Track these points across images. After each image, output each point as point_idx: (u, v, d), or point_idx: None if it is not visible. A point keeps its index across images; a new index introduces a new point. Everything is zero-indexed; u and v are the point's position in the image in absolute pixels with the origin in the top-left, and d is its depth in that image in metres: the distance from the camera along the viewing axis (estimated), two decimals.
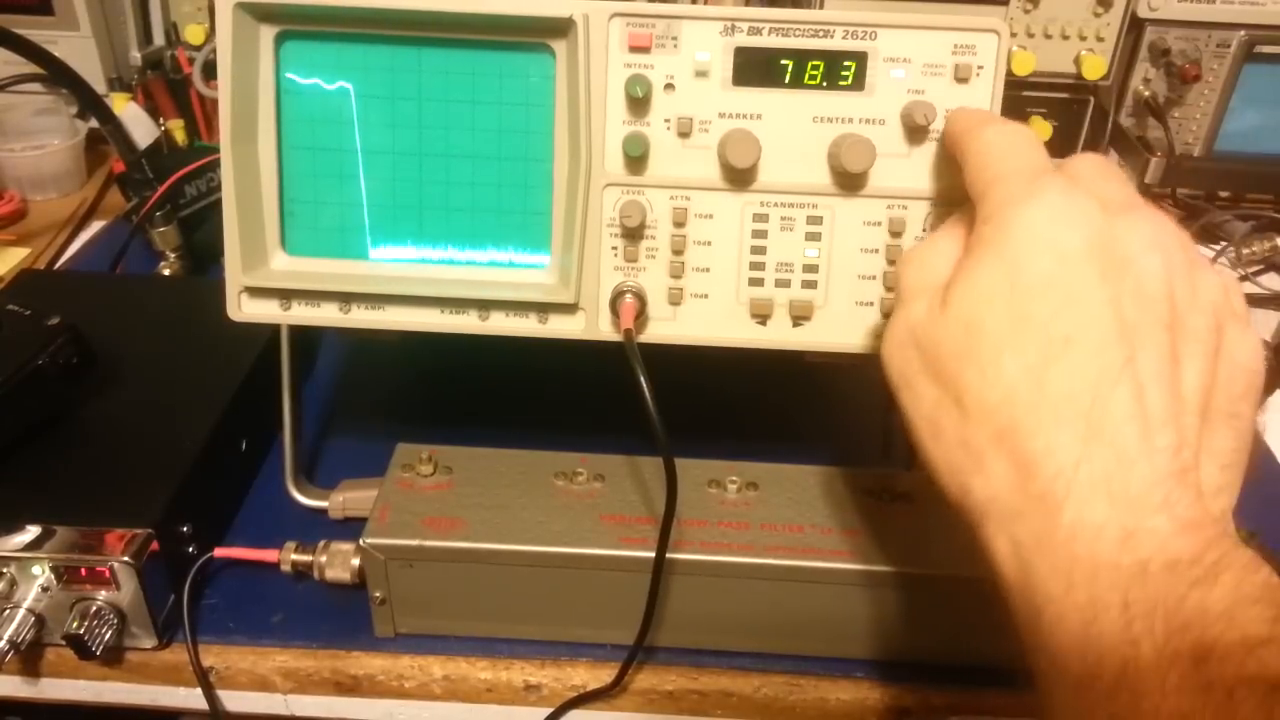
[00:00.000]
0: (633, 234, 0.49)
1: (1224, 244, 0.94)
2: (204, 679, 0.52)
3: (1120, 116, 0.95)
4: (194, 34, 0.97)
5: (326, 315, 0.50)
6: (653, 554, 0.48)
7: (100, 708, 0.55)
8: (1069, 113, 0.92)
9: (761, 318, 0.50)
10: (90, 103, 0.79)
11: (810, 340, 0.51)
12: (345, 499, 0.58)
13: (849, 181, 0.48)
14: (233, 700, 0.53)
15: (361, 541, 0.50)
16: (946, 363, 0.35)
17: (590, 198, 0.48)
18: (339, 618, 0.54)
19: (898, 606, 0.51)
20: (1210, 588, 0.28)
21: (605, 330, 0.50)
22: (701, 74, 0.47)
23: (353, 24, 0.47)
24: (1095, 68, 0.87)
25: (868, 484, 0.54)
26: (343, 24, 0.47)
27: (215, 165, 0.82)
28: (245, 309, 0.50)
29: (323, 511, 0.59)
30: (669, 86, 0.47)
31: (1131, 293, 0.33)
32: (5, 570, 0.49)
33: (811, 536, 0.51)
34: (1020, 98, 0.90)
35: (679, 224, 0.49)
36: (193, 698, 0.53)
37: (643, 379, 0.45)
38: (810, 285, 0.50)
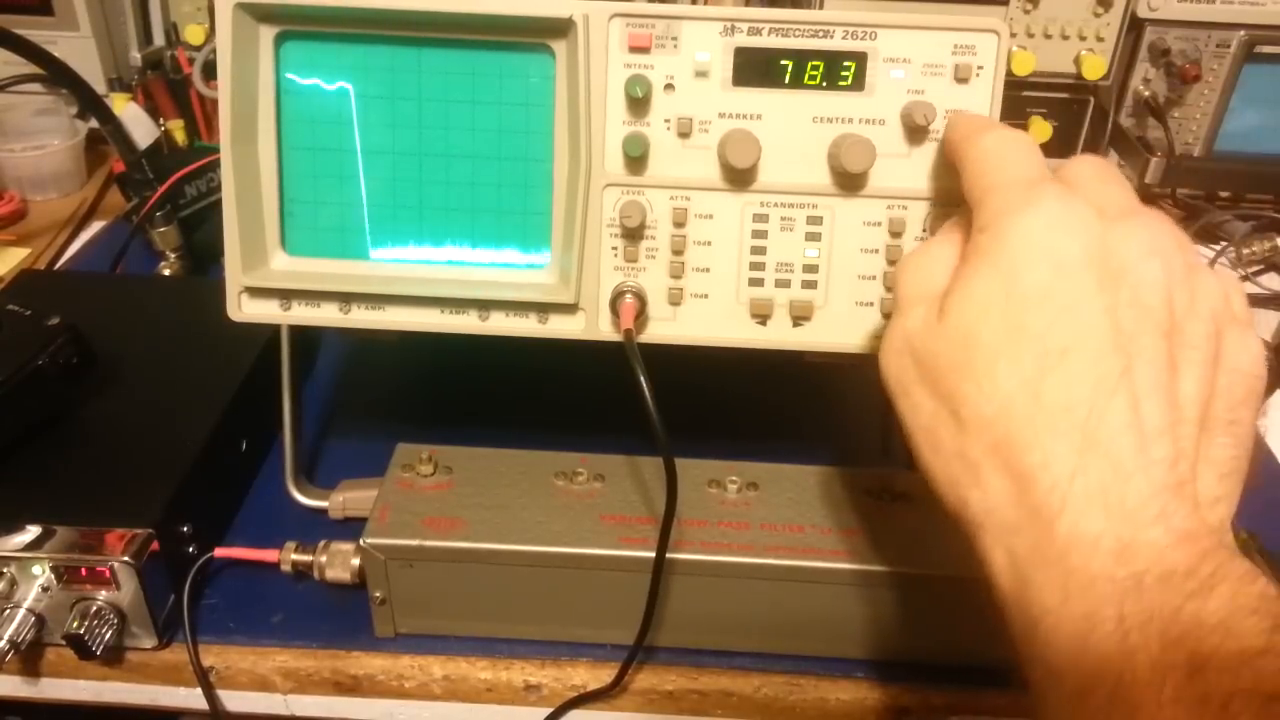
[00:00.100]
0: (633, 234, 0.49)
1: (1224, 244, 0.94)
2: (204, 679, 0.52)
3: (1120, 116, 0.95)
4: (194, 34, 0.98)
5: (326, 315, 0.50)
6: (653, 554, 0.48)
7: (100, 708, 0.55)
8: (1069, 113, 0.92)
9: (761, 318, 0.50)
10: (90, 103, 0.79)
11: (810, 340, 0.51)
12: (345, 499, 0.58)
13: (849, 182, 0.48)
14: (233, 700, 0.53)
15: (361, 541, 0.50)
16: (943, 374, 0.35)
17: (590, 198, 0.48)
18: (339, 618, 0.54)
19: (898, 606, 0.51)
20: (1206, 599, 0.28)
21: (605, 330, 0.50)
22: (701, 74, 0.47)
23: (352, 24, 0.47)
24: (1095, 68, 0.87)
25: (867, 484, 0.54)
26: (342, 24, 0.47)
27: (215, 165, 0.82)
28: (245, 309, 0.50)
29: (323, 511, 0.59)
30: (669, 87, 0.47)
31: (1128, 301, 0.33)
32: (5, 570, 0.49)
33: (811, 536, 0.51)
34: (1020, 98, 0.89)
35: (679, 224, 0.49)
36: (193, 698, 0.53)
37: (643, 379, 0.45)
38: (810, 285, 0.50)
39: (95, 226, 0.98)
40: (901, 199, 0.48)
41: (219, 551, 0.55)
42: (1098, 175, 0.37)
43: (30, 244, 0.92)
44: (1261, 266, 0.93)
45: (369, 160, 0.49)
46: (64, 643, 0.49)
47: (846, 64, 0.46)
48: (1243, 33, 0.90)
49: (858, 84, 0.47)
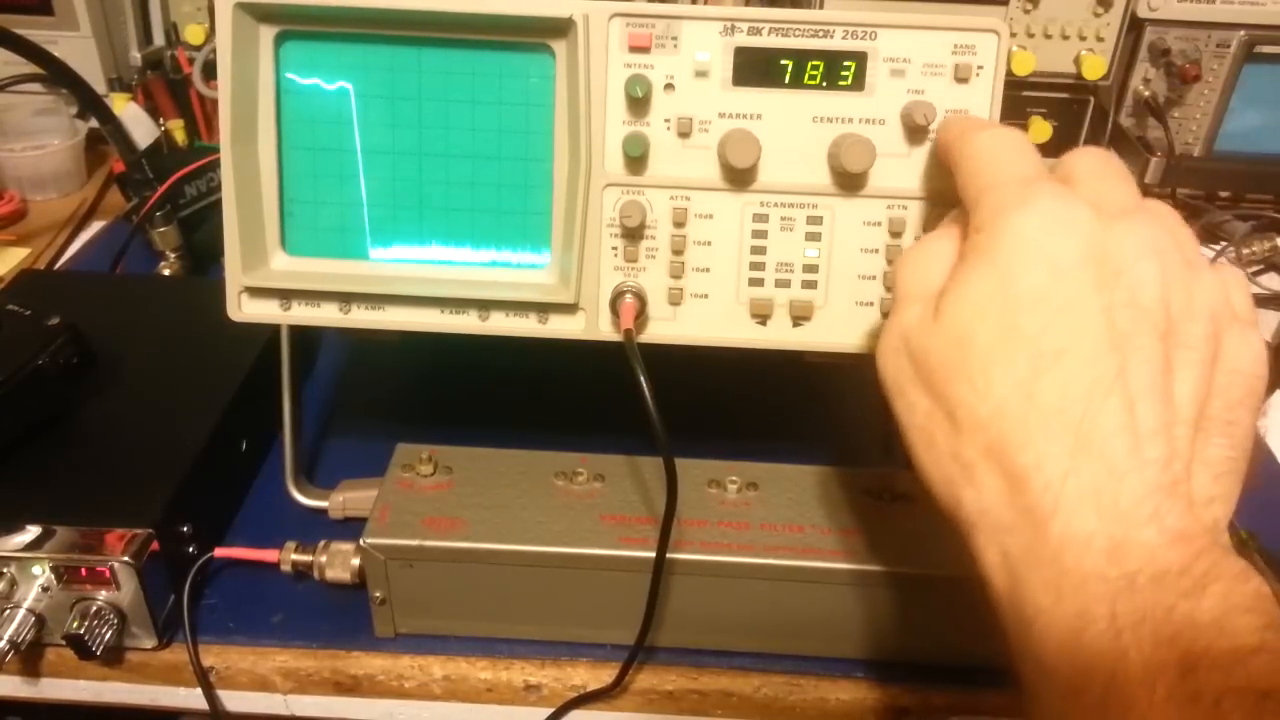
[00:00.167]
0: (633, 234, 0.49)
1: (1224, 244, 0.94)
2: (204, 679, 0.52)
3: (1120, 116, 0.95)
4: (194, 34, 0.98)
5: (326, 315, 0.50)
6: (653, 554, 0.48)
7: (100, 708, 0.55)
8: (1069, 113, 0.92)
9: (761, 318, 0.50)
10: (90, 103, 0.79)
11: (810, 340, 0.51)
12: (345, 499, 0.58)
13: (849, 181, 0.48)
14: (233, 700, 0.53)
15: (361, 541, 0.50)
16: (938, 374, 0.35)
17: (590, 198, 0.48)
18: (339, 618, 0.54)
19: (897, 607, 0.51)
20: (1199, 598, 0.28)
21: (605, 330, 0.50)
22: (701, 74, 0.47)
23: (352, 24, 0.47)
24: (1095, 68, 0.87)
25: (867, 484, 0.54)
26: (342, 24, 0.47)
27: (215, 165, 0.82)
28: (245, 309, 0.50)
29: (323, 511, 0.59)
30: (669, 86, 0.47)
31: (1124, 302, 0.33)
32: (5, 570, 0.49)
33: (811, 536, 0.51)
34: (1020, 98, 0.89)
35: (679, 224, 0.49)
36: (193, 698, 0.53)
37: (643, 379, 0.45)
38: (810, 285, 0.50)
39: (95, 226, 0.98)
40: (901, 199, 0.48)
41: (219, 551, 0.55)
42: (1097, 170, 0.37)
43: (30, 244, 0.92)
44: (1261, 266, 0.93)
45: (369, 160, 0.49)
46: (64, 643, 0.49)
47: (846, 64, 0.46)
48: (1243, 33, 0.90)
49: (858, 84, 0.47)
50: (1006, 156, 0.38)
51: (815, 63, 0.46)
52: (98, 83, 0.99)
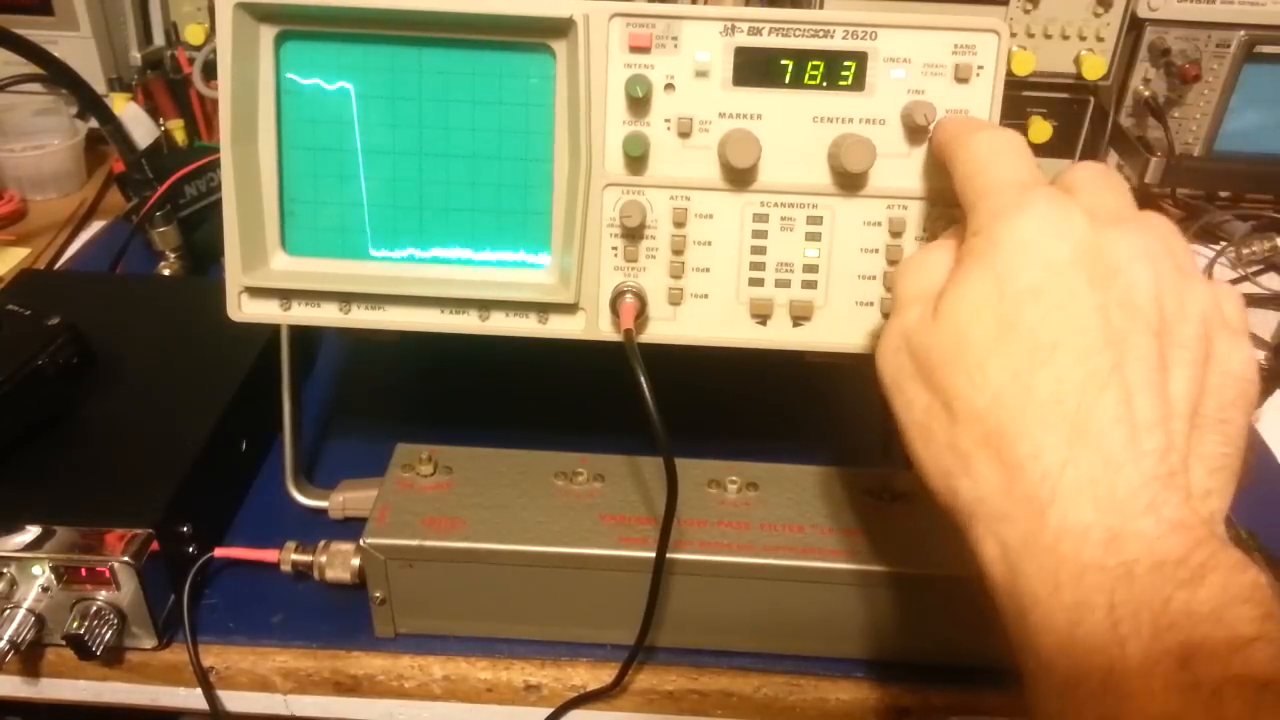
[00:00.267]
0: (633, 234, 0.49)
1: (1224, 244, 0.94)
2: (204, 679, 0.52)
3: (1120, 116, 0.95)
4: (194, 34, 0.98)
5: (326, 315, 0.50)
6: (653, 554, 0.48)
7: (100, 708, 0.55)
8: (1069, 113, 0.92)
9: (761, 318, 0.50)
10: (90, 103, 0.79)
11: (810, 340, 0.51)
12: (345, 499, 0.58)
13: (849, 181, 0.48)
14: (233, 700, 0.53)
15: (361, 541, 0.50)
16: (937, 369, 0.36)
17: (590, 198, 0.48)
18: (339, 618, 0.54)
19: (898, 606, 0.51)
20: (1197, 588, 0.28)
21: (605, 330, 0.50)
22: (701, 74, 0.47)
23: (353, 24, 0.47)
24: (1095, 68, 0.87)
25: (867, 484, 0.54)
26: (343, 24, 0.47)
27: (215, 165, 0.83)
28: (245, 309, 0.50)
29: (323, 511, 0.59)
30: (669, 86, 0.47)
31: (1119, 301, 0.33)
32: (5, 570, 0.49)
33: (811, 536, 0.51)
34: (1020, 98, 0.89)
35: (679, 224, 0.49)
36: (193, 698, 0.53)
37: (643, 379, 0.45)
38: (810, 285, 0.50)
39: (95, 226, 0.98)
40: (901, 199, 0.48)
41: (219, 551, 0.55)
42: (1095, 181, 0.38)
43: (30, 244, 0.92)
44: (1261, 266, 0.93)
45: (369, 160, 0.49)
46: (64, 643, 0.49)
47: (847, 64, 0.46)
48: (1243, 33, 0.90)
49: (858, 84, 0.47)
50: (1002, 160, 0.39)
51: (815, 63, 0.46)
52: (98, 83, 0.99)
